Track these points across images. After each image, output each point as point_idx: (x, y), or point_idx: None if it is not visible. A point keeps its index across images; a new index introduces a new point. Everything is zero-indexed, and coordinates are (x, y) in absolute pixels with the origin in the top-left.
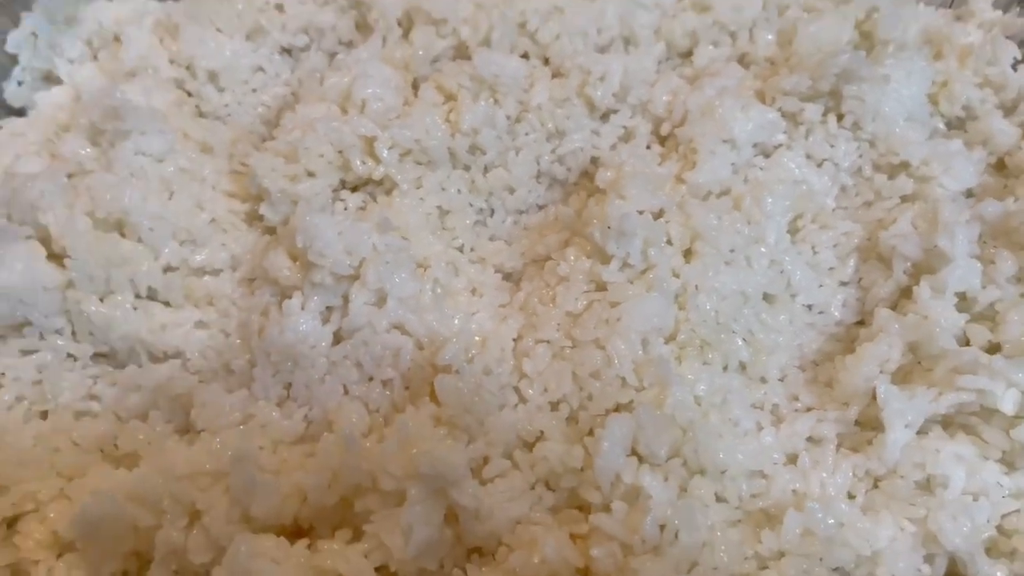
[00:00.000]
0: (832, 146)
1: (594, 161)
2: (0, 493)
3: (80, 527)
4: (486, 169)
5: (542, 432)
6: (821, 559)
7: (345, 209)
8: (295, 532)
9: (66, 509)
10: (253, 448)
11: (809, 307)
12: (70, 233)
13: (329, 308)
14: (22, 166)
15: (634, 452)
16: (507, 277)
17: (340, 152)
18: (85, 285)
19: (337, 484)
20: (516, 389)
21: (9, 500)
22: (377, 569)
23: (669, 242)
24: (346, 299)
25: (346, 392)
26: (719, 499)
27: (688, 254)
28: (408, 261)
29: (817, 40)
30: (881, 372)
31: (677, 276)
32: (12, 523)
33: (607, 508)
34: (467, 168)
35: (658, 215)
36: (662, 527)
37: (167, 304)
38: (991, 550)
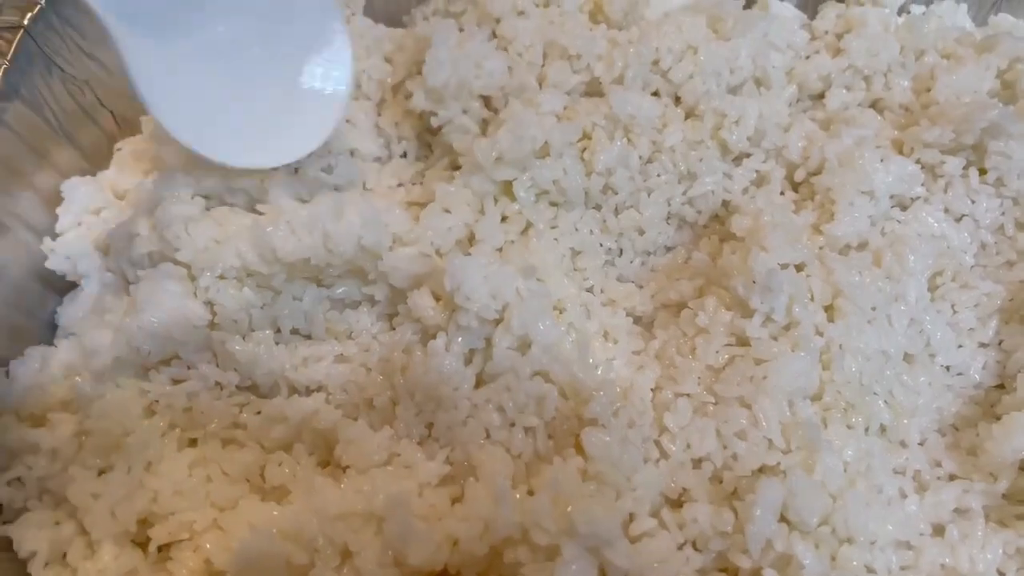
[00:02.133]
0: (973, 201)
1: (725, 204)
2: (158, 521)
3: (239, 563)
4: (617, 210)
5: (685, 489)
6: None
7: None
8: None
9: (219, 540)
10: (408, 493)
11: (947, 368)
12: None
13: (472, 350)
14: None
15: (783, 518)
16: (637, 321)
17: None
18: (228, 325)
19: (488, 535)
20: (657, 443)
21: (166, 528)
22: None
23: (812, 298)
24: (489, 342)
25: (488, 436)
26: (868, 570)
27: (829, 310)
28: (549, 307)
29: (957, 89)
30: None
31: (820, 334)
32: (166, 548)
33: (756, 574)
34: (598, 208)
35: (799, 268)
36: None
37: (308, 337)
38: None
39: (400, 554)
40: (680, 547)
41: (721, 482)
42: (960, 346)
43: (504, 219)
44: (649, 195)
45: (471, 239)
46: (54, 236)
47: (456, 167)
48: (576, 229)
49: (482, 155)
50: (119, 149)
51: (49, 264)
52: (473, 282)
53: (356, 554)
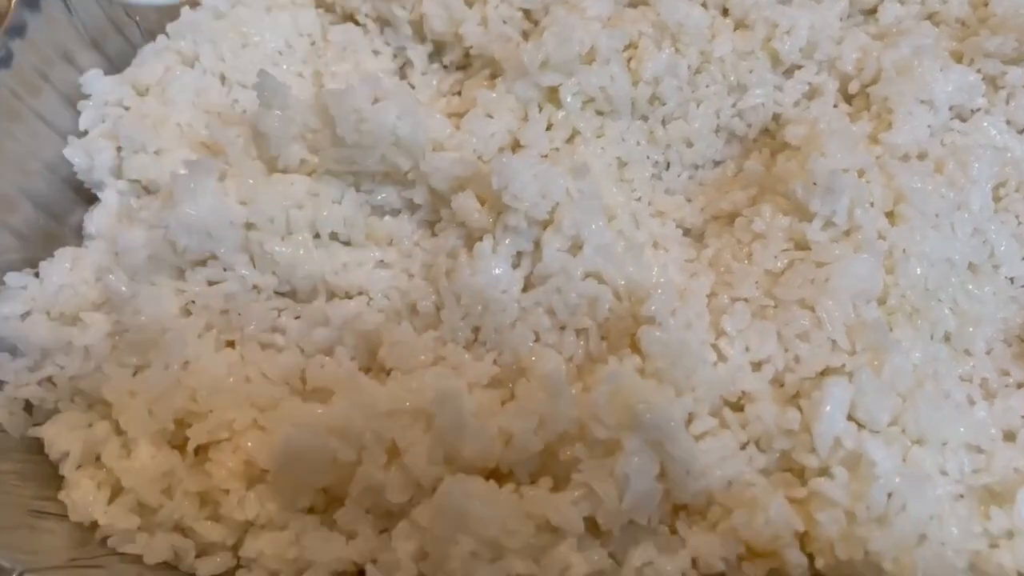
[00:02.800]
0: None
1: (775, 118)
2: (197, 419)
3: (281, 457)
4: (664, 121)
5: (744, 392)
6: None
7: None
8: (495, 476)
9: (261, 439)
10: (460, 389)
11: (1012, 280)
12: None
13: (520, 253)
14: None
15: (851, 418)
16: (687, 233)
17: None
18: (266, 225)
19: (544, 430)
20: (715, 346)
21: (205, 428)
22: (583, 520)
23: (872, 203)
24: (538, 244)
25: (537, 339)
26: (941, 472)
27: (891, 216)
28: (600, 209)
29: (1016, 1)
30: None
31: (883, 238)
32: (204, 450)
33: (825, 473)
34: (645, 119)
35: (860, 174)
36: (889, 495)
37: (348, 244)
38: None
39: (452, 449)
40: (743, 446)
41: (783, 385)
42: None
43: (549, 127)
44: (698, 106)
45: (515, 146)
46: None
47: (496, 78)
48: (623, 139)
49: (528, 58)
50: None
51: (69, 156)
52: (522, 180)
53: (405, 451)
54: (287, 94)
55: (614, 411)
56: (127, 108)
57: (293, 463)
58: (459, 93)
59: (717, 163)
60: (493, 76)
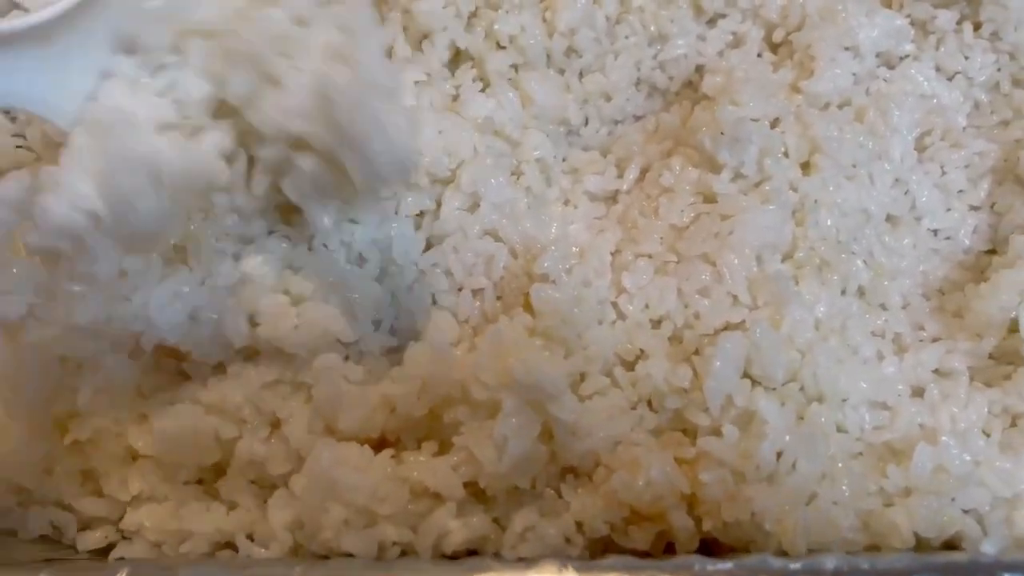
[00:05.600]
0: (967, 58)
1: (698, 70)
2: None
3: (163, 444)
4: (582, 74)
5: (642, 351)
6: (953, 499)
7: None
8: (380, 444)
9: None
10: (338, 357)
11: (935, 232)
12: None
13: (422, 212)
14: None
15: (746, 375)
16: (600, 188)
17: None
18: None
19: (426, 394)
20: (615, 304)
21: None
22: (465, 484)
23: (786, 153)
24: (439, 203)
25: (434, 302)
26: (839, 429)
27: (806, 167)
28: (505, 166)
29: None
30: (1021, 302)
31: (794, 190)
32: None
33: (717, 432)
34: (561, 72)
35: (774, 124)
36: (779, 454)
37: None
38: None
39: (331, 419)
40: (634, 406)
41: (681, 342)
42: (949, 209)
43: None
44: (616, 58)
45: None
46: None
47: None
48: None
49: None
50: None
51: None
52: (425, 136)
53: (284, 422)
54: None
55: (495, 372)
56: None
57: (176, 448)
58: None
59: (638, 118)
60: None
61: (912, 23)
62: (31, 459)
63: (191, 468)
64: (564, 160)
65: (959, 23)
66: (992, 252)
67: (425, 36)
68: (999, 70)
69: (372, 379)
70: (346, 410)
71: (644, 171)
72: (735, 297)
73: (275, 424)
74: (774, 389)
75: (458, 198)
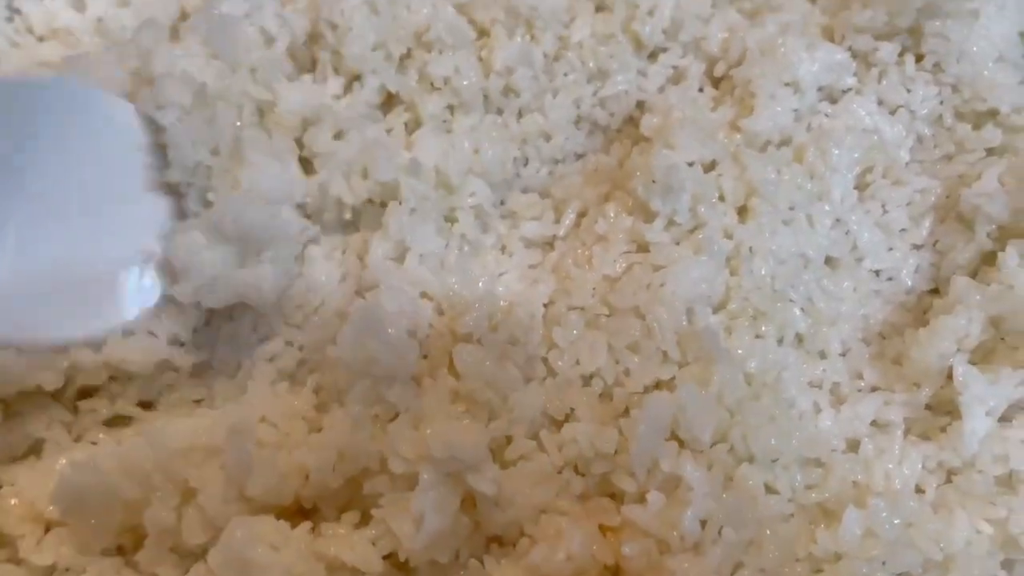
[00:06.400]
0: (909, 91)
1: (639, 105)
2: None
3: (63, 500)
4: (520, 113)
5: (572, 410)
6: (884, 563)
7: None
8: (298, 512)
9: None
10: (251, 421)
11: (877, 273)
12: None
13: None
14: None
15: (674, 436)
16: (537, 233)
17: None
18: None
19: (343, 465)
20: (544, 361)
21: None
22: (385, 557)
23: (721, 198)
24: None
25: None
26: (769, 490)
27: (743, 212)
28: (437, 213)
29: None
30: (959, 350)
31: (729, 237)
32: None
33: (642, 498)
34: (500, 112)
35: (709, 167)
36: (703, 523)
37: None
38: None
39: (242, 487)
40: (559, 470)
41: (612, 400)
42: (891, 248)
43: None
44: (555, 96)
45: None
46: None
47: None
48: (473, 134)
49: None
50: None
51: None
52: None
53: (200, 490)
54: None
55: (414, 442)
56: None
57: (79, 506)
58: None
59: (579, 156)
60: None
61: (854, 56)
62: None
63: (107, 535)
64: (503, 203)
65: (901, 55)
66: (935, 292)
67: (356, 78)
68: (942, 103)
69: (289, 444)
70: (256, 477)
71: (581, 215)
72: (665, 353)
73: (188, 492)
74: (701, 451)
75: (384, 246)
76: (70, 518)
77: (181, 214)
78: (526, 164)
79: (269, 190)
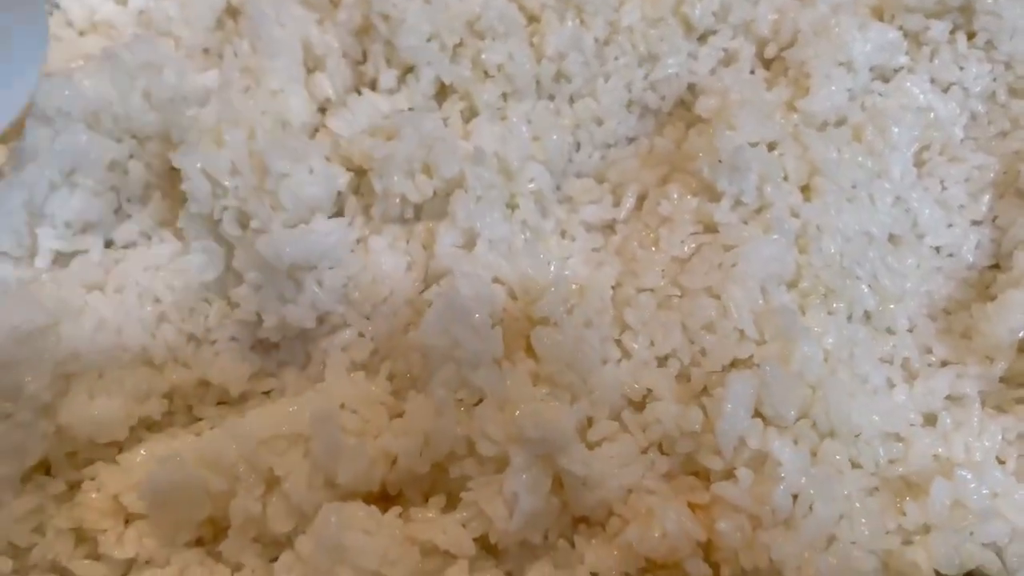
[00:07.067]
0: (961, 68)
1: (690, 88)
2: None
3: (151, 495)
4: (572, 99)
5: (650, 390)
6: (972, 533)
7: None
8: (382, 498)
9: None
10: (334, 408)
11: (937, 249)
12: None
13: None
14: None
15: (758, 413)
16: (597, 217)
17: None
18: None
19: (430, 449)
20: (618, 342)
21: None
22: (476, 539)
23: (785, 178)
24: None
25: None
26: (854, 465)
27: (806, 191)
28: (499, 199)
29: None
30: None
31: (796, 216)
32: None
33: (730, 475)
34: (552, 98)
35: (771, 147)
36: (795, 497)
37: None
38: None
39: (331, 474)
40: (644, 451)
41: (689, 380)
42: (950, 225)
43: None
44: (606, 81)
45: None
46: None
47: None
48: (529, 121)
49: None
50: None
51: None
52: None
53: (284, 478)
54: None
55: (502, 424)
56: None
57: (165, 500)
58: None
59: (631, 139)
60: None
61: (905, 35)
62: (21, 512)
63: (189, 527)
64: (559, 188)
65: (952, 33)
66: (996, 267)
67: (409, 70)
68: (995, 80)
69: (372, 430)
70: (344, 465)
71: (641, 198)
72: (742, 332)
73: (271, 480)
74: (786, 428)
75: (452, 234)
76: (155, 512)
77: (219, 239)
78: (578, 149)
79: (310, 197)
